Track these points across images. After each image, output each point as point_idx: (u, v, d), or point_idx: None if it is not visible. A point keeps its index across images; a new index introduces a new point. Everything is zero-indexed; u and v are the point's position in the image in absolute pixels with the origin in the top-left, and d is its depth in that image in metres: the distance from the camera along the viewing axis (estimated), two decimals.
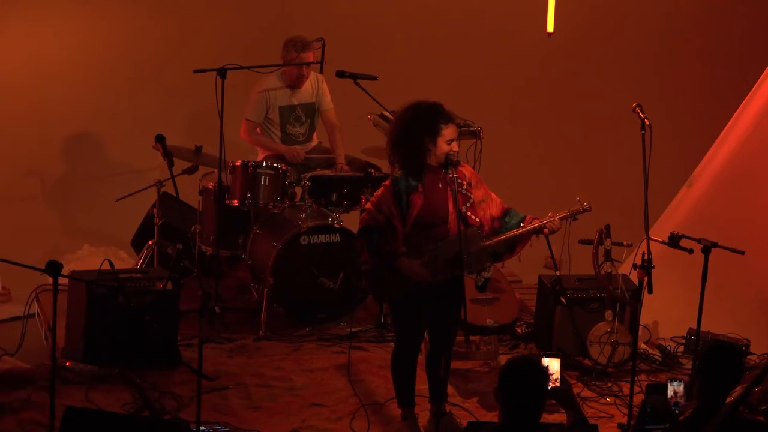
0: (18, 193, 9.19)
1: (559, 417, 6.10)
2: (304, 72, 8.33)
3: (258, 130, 8.50)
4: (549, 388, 4.95)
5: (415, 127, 6.28)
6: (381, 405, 6.94)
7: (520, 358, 5.10)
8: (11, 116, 9.12)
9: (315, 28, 8.54)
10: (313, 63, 8.33)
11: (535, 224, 6.43)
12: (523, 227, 6.43)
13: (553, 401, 5.29)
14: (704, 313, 6.75)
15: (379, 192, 6.39)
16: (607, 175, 10.12)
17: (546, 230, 6.45)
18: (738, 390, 6.38)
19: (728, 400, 5.24)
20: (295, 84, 8.43)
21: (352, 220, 8.44)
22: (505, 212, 6.49)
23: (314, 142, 8.70)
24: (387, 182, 6.38)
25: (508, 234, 6.43)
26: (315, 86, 8.53)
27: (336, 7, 9.60)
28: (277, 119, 8.48)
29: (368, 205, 6.39)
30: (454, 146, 6.30)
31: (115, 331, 7.11)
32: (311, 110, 8.56)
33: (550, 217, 6.45)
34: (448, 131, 6.28)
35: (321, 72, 8.52)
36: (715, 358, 5.27)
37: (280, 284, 7.89)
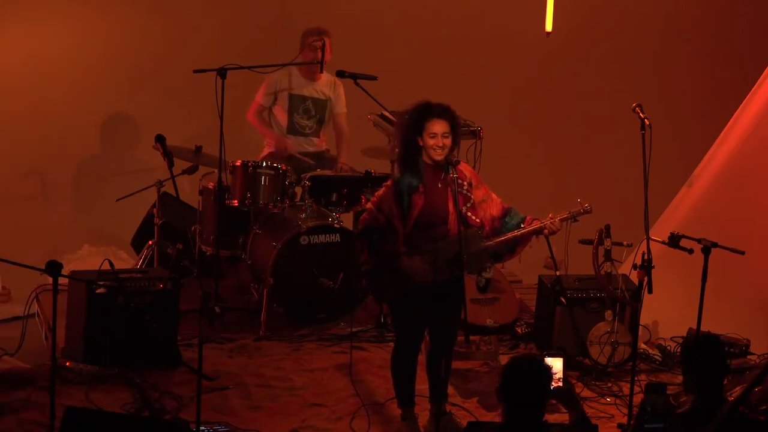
0: (18, 193, 9.19)
1: (560, 417, 6.10)
2: (319, 56, 8.35)
3: (265, 114, 8.56)
4: (551, 387, 4.95)
5: (406, 127, 6.38)
6: (381, 405, 6.94)
7: (523, 357, 5.10)
8: (11, 116, 9.13)
9: None
10: (323, 37, 8.35)
11: (536, 225, 6.43)
12: (523, 228, 6.43)
13: (555, 401, 5.30)
14: (704, 313, 6.74)
15: (380, 192, 6.40)
16: (607, 175, 10.12)
17: (546, 231, 6.45)
18: (738, 390, 6.40)
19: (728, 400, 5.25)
20: (309, 74, 8.49)
21: (351, 220, 8.47)
22: (506, 212, 6.49)
23: (322, 145, 8.73)
24: (389, 182, 6.40)
25: (509, 235, 6.44)
26: (332, 86, 8.62)
27: (336, 7, 9.60)
28: (286, 107, 8.54)
29: (369, 205, 6.40)
30: (439, 141, 6.30)
31: (115, 331, 7.11)
32: (322, 107, 8.61)
33: (551, 218, 6.45)
34: (432, 125, 6.31)
35: (321, 71, 8.53)
36: (694, 351, 5.32)
37: (280, 284, 7.89)
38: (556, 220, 6.45)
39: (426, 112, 6.34)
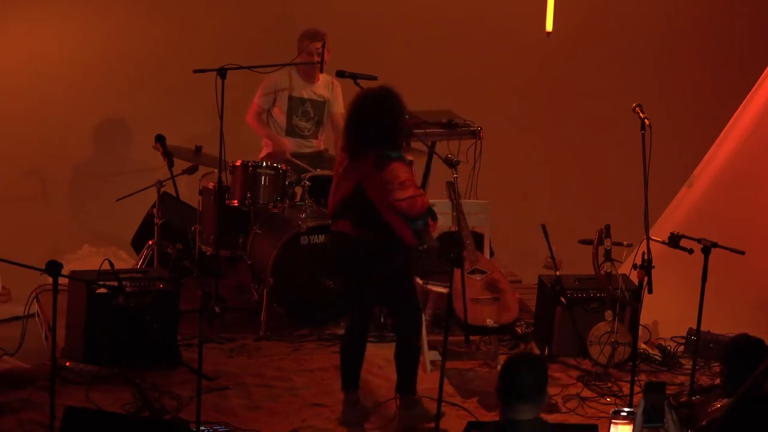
0: (18, 193, 9.19)
1: (560, 417, 6.10)
2: (314, 59, 8.37)
3: (264, 116, 8.57)
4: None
5: (402, 111, 6.63)
6: (381, 405, 6.94)
7: (520, 356, 5.10)
8: (11, 116, 9.13)
9: None
10: (323, 39, 8.36)
11: None
12: None
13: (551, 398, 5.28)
14: (704, 313, 6.74)
15: (402, 172, 6.46)
16: (607, 175, 10.12)
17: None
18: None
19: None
20: (307, 76, 8.50)
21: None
22: None
23: (320, 145, 8.74)
24: (401, 162, 6.49)
25: None
26: (329, 87, 8.63)
27: (336, 7, 9.60)
28: (284, 109, 8.54)
29: (412, 191, 6.43)
30: None
31: (115, 331, 7.11)
32: (321, 108, 8.62)
33: None
34: None
35: (321, 71, 8.54)
36: (740, 352, 5.30)
37: (280, 284, 7.89)
38: None
39: None
